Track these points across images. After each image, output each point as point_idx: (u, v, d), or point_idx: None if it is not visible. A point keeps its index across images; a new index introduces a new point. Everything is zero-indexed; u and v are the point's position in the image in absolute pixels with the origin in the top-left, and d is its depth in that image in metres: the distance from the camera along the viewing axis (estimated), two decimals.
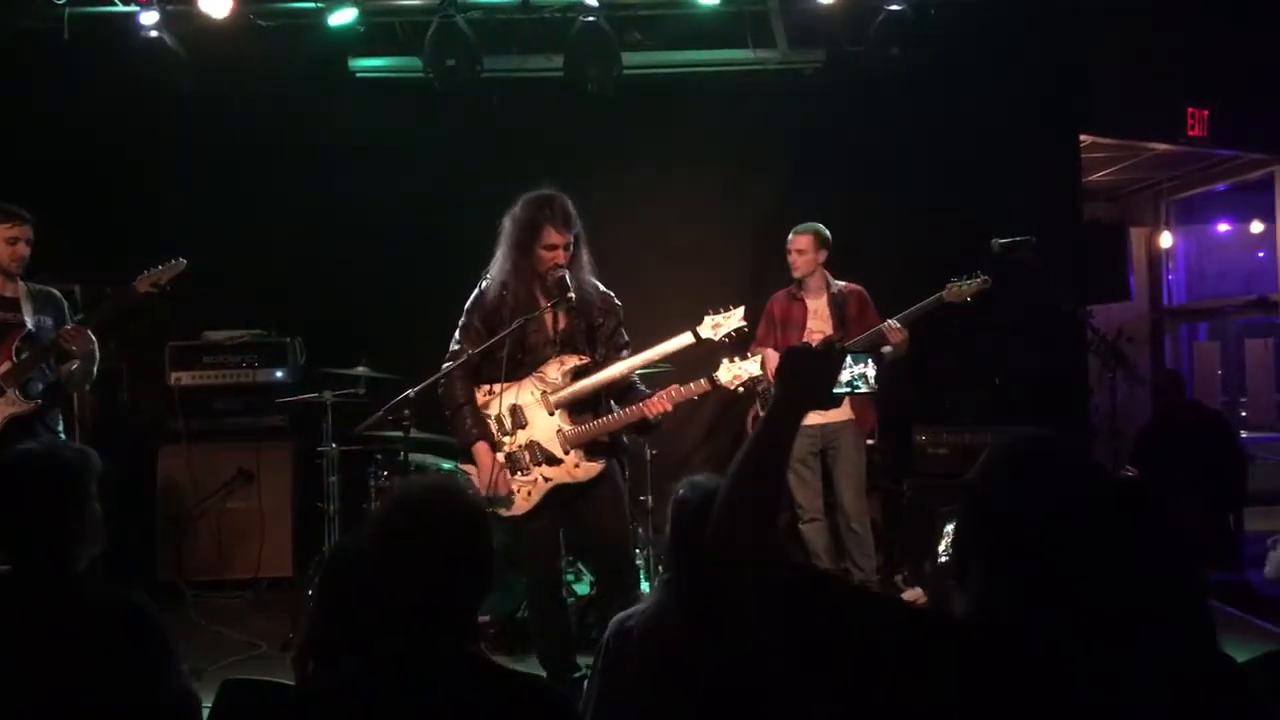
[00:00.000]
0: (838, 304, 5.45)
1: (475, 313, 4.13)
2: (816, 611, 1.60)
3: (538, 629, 4.31)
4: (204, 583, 6.22)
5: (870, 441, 5.64)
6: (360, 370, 5.69)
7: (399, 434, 4.55)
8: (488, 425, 4.07)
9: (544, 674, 4.15)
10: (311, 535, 6.02)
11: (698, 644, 2.44)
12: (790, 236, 5.51)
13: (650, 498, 5.65)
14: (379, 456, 5.60)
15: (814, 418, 5.33)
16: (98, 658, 2.26)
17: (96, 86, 6.25)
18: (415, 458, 5.21)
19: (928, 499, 5.98)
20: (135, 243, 6.30)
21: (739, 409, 6.81)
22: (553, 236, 4.01)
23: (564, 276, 4.02)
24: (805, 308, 5.50)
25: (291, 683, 2.52)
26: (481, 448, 4.05)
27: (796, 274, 5.50)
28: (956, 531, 1.67)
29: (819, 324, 5.46)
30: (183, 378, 6.42)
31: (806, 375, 1.80)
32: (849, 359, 1.85)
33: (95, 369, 4.84)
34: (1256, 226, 9.23)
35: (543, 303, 4.06)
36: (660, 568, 2.92)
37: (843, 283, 5.52)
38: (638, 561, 5.27)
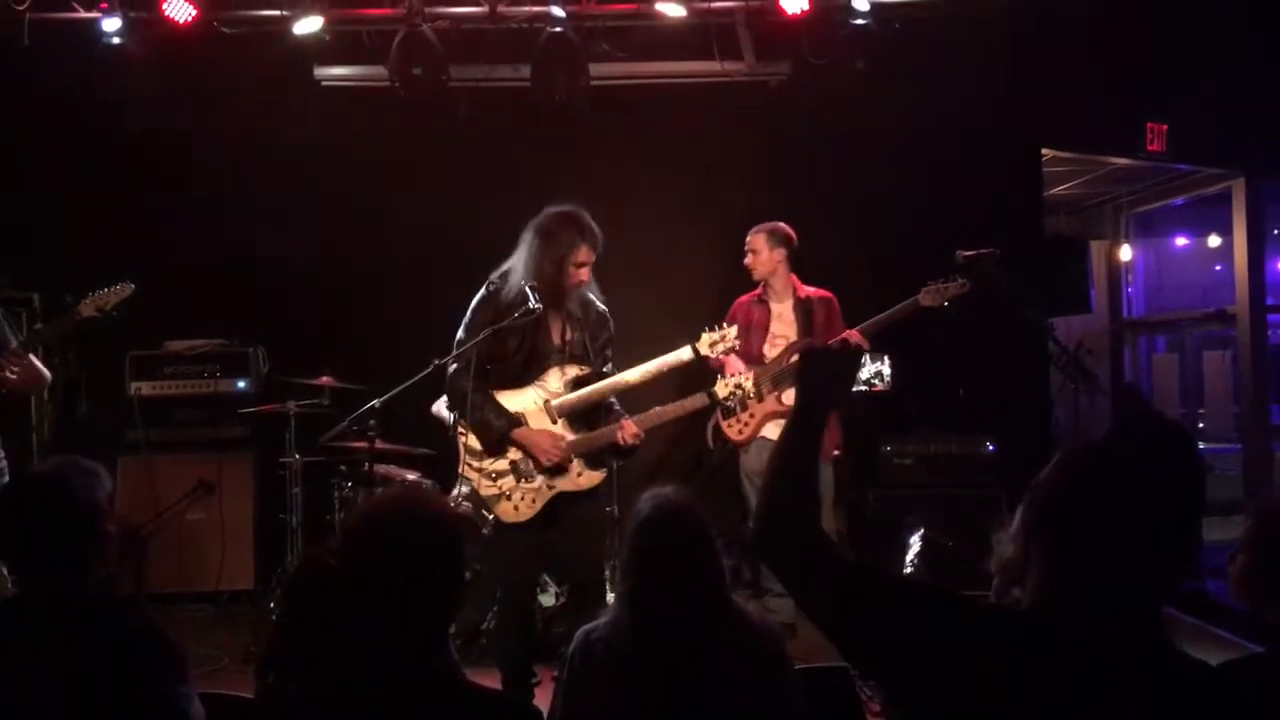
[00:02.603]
0: (804, 310, 5.38)
1: (482, 313, 4.08)
2: (875, 607, 1.64)
3: (503, 634, 4.31)
4: (163, 595, 6.13)
5: (836, 452, 5.62)
6: (324, 380, 5.65)
7: (363, 445, 4.54)
8: (510, 412, 4.05)
9: (500, 680, 4.15)
10: (274, 547, 5.96)
11: (657, 654, 2.44)
12: (747, 237, 5.48)
13: (616, 508, 5.64)
14: (343, 467, 5.57)
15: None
16: (108, 681, 2.20)
17: (57, 93, 6.17)
18: (379, 468, 5.18)
19: (893, 510, 6.02)
20: (96, 251, 6.25)
21: (706, 419, 6.83)
22: (586, 255, 4.06)
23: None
24: (770, 312, 5.44)
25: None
26: (519, 432, 4.03)
27: (754, 276, 5.46)
28: (1020, 529, 1.70)
29: (783, 328, 5.40)
30: (143, 388, 6.35)
31: (826, 376, 1.82)
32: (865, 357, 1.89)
33: (44, 390, 4.65)
34: (1214, 240, 9.38)
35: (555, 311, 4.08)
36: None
37: (812, 288, 5.47)
38: (604, 573, 5.26)
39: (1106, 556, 1.59)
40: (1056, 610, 1.60)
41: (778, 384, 5.30)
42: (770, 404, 5.31)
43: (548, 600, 5.42)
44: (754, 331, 5.39)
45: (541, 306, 4.03)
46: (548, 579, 5.40)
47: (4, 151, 6.33)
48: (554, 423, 4.08)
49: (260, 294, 6.55)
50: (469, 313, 4.12)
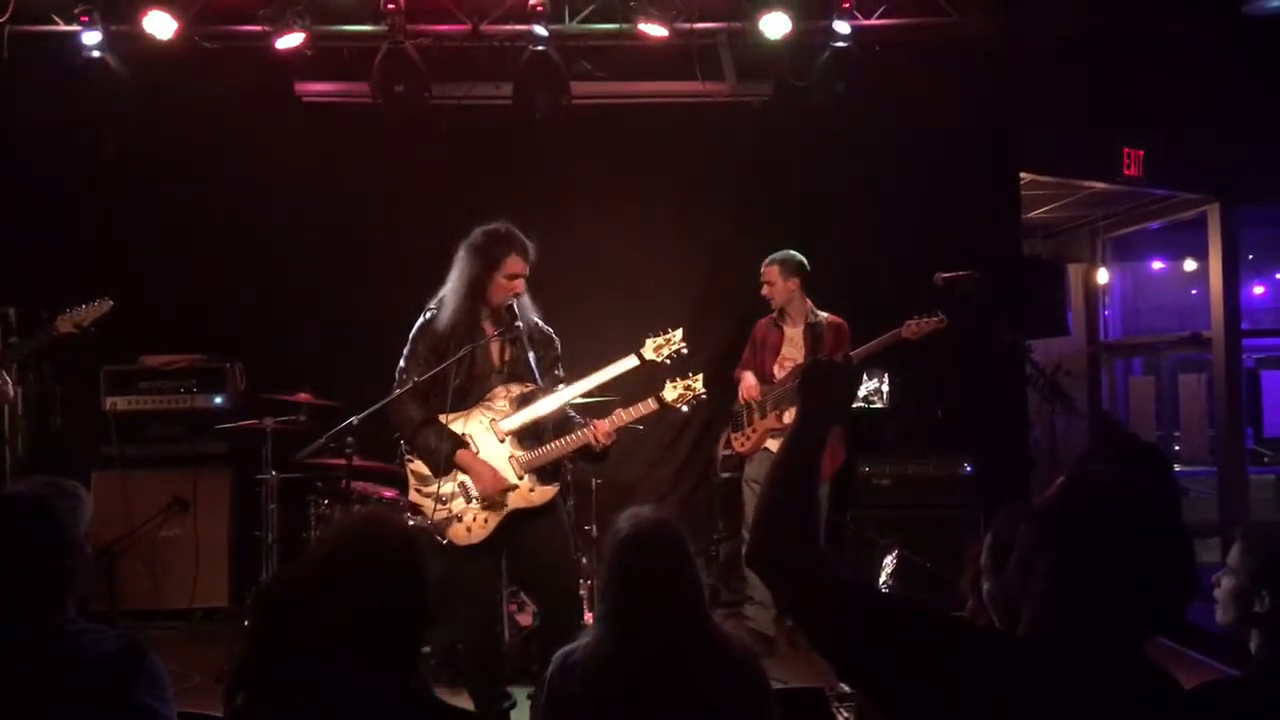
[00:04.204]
0: (814, 334, 5.56)
1: (421, 339, 4.12)
2: (877, 625, 1.63)
3: (471, 658, 4.29)
4: (137, 613, 6.07)
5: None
6: (302, 396, 5.62)
7: (341, 462, 4.51)
8: (455, 434, 4.05)
9: (473, 704, 4.12)
10: (249, 565, 5.91)
11: (637, 675, 2.43)
12: (762, 267, 5.63)
13: (595, 527, 5.63)
14: (319, 484, 5.53)
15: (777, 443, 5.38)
16: (90, 701, 2.17)
17: (36, 107, 6.13)
18: (356, 486, 5.15)
19: (870, 530, 6.02)
20: (73, 266, 6.21)
21: (685, 439, 6.85)
22: (517, 265, 4.08)
23: (513, 305, 4.07)
24: (783, 335, 5.64)
25: None
26: (463, 455, 4.03)
27: (772, 306, 5.66)
28: (1020, 555, 1.69)
29: (792, 351, 5.61)
30: (118, 403, 6.30)
31: (827, 388, 1.84)
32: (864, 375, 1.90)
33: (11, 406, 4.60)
34: (1190, 264, 9.44)
35: (489, 332, 4.08)
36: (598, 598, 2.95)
37: (826, 314, 5.63)
38: (581, 592, 5.24)
39: (1113, 583, 1.59)
40: (1059, 637, 1.60)
41: (779, 403, 5.53)
42: (771, 421, 5.56)
43: (526, 619, 5.39)
44: (767, 351, 5.67)
45: (522, 325, 4.07)
46: (526, 598, 5.38)
47: None
48: (501, 442, 4.08)
49: (237, 309, 6.52)
50: (409, 340, 4.15)
